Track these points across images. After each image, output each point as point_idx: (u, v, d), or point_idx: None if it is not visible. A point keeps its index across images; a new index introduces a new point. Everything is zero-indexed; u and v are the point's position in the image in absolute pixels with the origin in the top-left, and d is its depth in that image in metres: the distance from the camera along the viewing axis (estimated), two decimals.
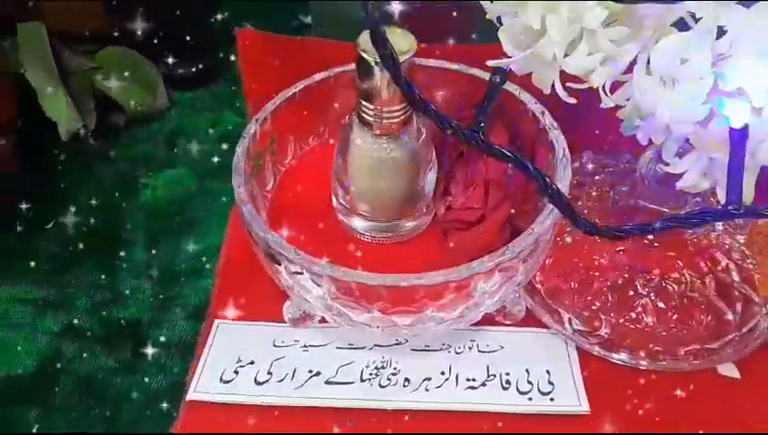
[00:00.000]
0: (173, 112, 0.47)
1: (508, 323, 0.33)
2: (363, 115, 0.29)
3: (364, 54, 0.27)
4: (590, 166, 0.36)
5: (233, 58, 0.42)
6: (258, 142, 0.32)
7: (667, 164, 0.29)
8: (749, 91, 0.24)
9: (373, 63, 0.27)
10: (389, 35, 0.22)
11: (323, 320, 0.32)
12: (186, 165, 0.43)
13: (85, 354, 0.34)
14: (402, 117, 0.29)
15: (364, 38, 0.27)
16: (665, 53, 0.24)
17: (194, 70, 0.48)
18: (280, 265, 0.27)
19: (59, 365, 0.33)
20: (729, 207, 0.26)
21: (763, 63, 0.24)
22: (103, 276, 0.37)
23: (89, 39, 0.46)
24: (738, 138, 0.25)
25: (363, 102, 0.29)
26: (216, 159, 0.43)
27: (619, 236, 0.28)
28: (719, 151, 0.27)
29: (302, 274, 0.26)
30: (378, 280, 0.25)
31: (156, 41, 0.46)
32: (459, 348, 0.33)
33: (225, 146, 0.44)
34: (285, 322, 0.33)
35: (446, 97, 0.35)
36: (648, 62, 0.25)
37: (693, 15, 0.24)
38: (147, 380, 0.32)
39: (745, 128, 0.25)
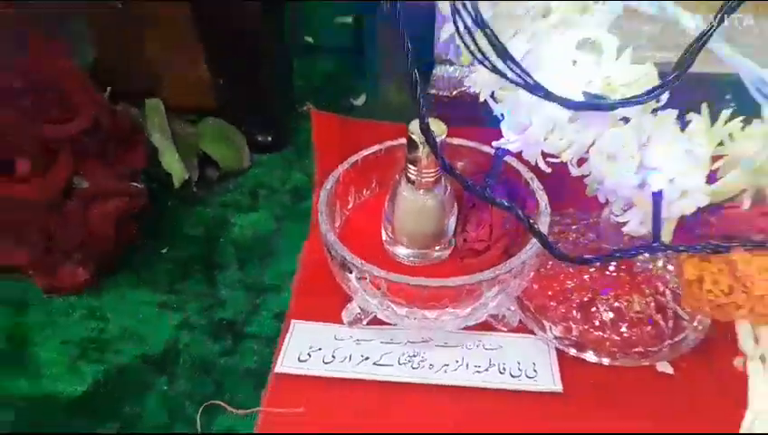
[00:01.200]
0: (254, 170, 0.61)
1: (506, 329, 0.45)
2: (408, 174, 0.43)
3: (413, 136, 0.40)
4: (568, 219, 0.49)
5: (299, 128, 0.57)
6: (333, 194, 0.45)
7: (618, 215, 0.42)
8: (663, 167, 0.37)
9: (419, 142, 0.40)
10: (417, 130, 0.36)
11: (370, 322, 0.45)
12: (265, 209, 0.57)
13: (197, 342, 0.46)
14: (435, 177, 0.42)
15: (414, 125, 0.40)
16: (610, 140, 0.37)
17: (269, 138, 0.63)
18: (351, 272, 0.40)
19: (179, 348, 0.46)
20: (653, 244, 0.39)
21: (672, 150, 0.38)
22: (206, 288, 0.50)
23: (193, 111, 0.61)
24: (657, 198, 0.38)
25: (409, 166, 0.42)
26: (288, 206, 0.57)
27: (583, 262, 0.40)
28: (649, 207, 0.40)
29: (365, 279, 0.39)
30: (415, 281, 0.38)
31: (242, 114, 0.61)
32: (469, 345, 0.45)
33: (295, 196, 0.58)
34: (343, 323, 0.46)
35: (465, 164, 0.48)
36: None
37: (626, 118, 0.38)
38: (244, 360, 0.45)
39: (660, 192, 0.38)
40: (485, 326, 0.45)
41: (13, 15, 0.47)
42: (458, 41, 0.35)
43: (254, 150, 0.62)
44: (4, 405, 0.43)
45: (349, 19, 0.72)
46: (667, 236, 0.39)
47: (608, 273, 0.45)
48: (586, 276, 0.45)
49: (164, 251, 0.53)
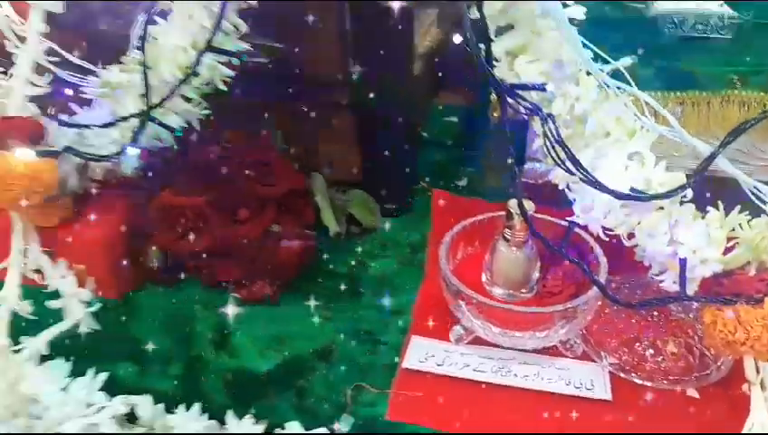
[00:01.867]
0: (384, 228, 0.81)
1: (571, 356, 0.62)
2: (505, 236, 0.61)
3: (511, 209, 0.59)
4: (621, 278, 0.65)
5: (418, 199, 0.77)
6: (449, 248, 0.64)
7: (656, 275, 0.58)
8: (688, 242, 0.54)
9: (514, 214, 0.59)
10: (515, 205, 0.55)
11: (470, 342, 0.63)
12: (392, 257, 0.76)
13: (347, 344, 0.65)
14: (525, 238, 0.61)
15: (512, 202, 0.59)
16: (650, 222, 0.54)
17: (396, 206, 0.83)
18: (463, 300, 0.58)
19: (334, 347, 0.65)
20: (681, 296, 0.55)
21: (694, 230, 0.54)
22: (351, 308, 0.69)
23: (344, 184, 0.83)
24: (683, 263, 0.54)
25: (506, 229, 0.61)
26: (408, 255, 0.76)
27: (630, 307, 0.57)
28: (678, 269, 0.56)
29: (471, 304, 0.57)
30: (510, 307, 0.56)
31: (378, 188, 0.82)
32: (544, 365, 0.61)
33: (413, 249, 0.77)
34: (450, 340, 0.63)
35: (546, 232, 0.66)
36: None
37: (661, 207, 0.55)
38: (379, 359, 0.63)
39: (685, 259, 0.54)
40: (556, 353, 0.62)
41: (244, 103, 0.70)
42: (545, 150, 0.54)
43: (385, 215, 0.82)
44: (216, 373, 0.63)
45: (455, 119, 0.93)
46: (691, 291, 0.55)
47: (650, 318, 0.60)
48: (633, 320, 0.61)
49: (320, 281, 0.73)
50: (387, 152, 0.79)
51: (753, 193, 0.52)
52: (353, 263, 0.76)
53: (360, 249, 0.77)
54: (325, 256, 0.75)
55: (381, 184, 0.82)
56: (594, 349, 0.61)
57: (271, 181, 0.70)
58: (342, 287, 0.71)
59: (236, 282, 0.70)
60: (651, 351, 0.59)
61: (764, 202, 0.52)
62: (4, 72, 0.67)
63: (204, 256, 0.69)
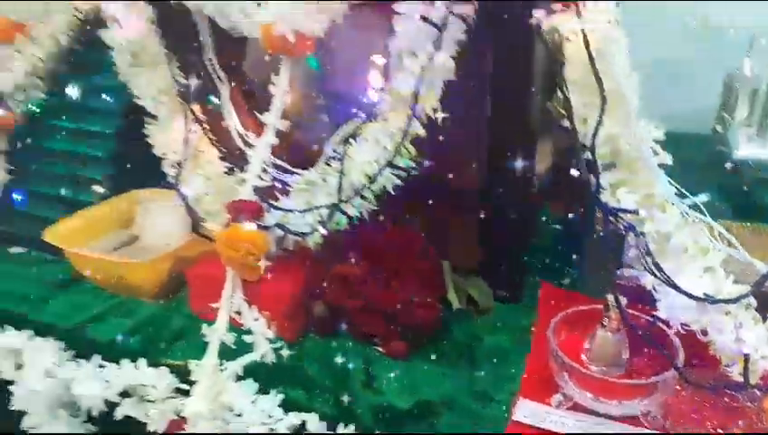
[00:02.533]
0: (496, 310, 0.99)
1: (649, 426, 0.76)
2: (603, 323, 0.78)
3: (610, 302, 0.76)
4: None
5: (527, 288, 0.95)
6: (555, 329, 0.81)
7: (725, 366, 0.72)
8: (749, 340, 0.69)
9: (612, 307, 0.76)
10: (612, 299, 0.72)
11: (568, 408, 0.78)
12: (503, 332, 0.94)
13: (468, 399, 0.82)
14: (619, 326, 0.77)
15: (610, 297, 0.76)
16: (718, 322, 0.70)
17: (508, 293, 1.01)
18: (567, 371, 0.75)
19: (458, 400, 0.82)
20: (745, 385, 0.69)
21: (754, 331, 0.69)
22: (469, 369, 0.87)
23: (466, 270, 1.02)
24: (747, 357, 0.69)
25: (605, 318, 0.77)
26: (518, 333, 0.93)
27: (701, 387, 0.71)
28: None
29: (574, 375, 0.74)
30: (606, 378, 0.72)
31: (494, 278, 1.01)
32: (626, 431, 0.75)
33: (522, 329, 0.94)
34: (551, 404, 0.79)
35: (635, 323, 0.82)
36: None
37: (728, 311, 0.70)
38: (494, 411, 0.80)
39: (748, 354, 0.68)
40: (638, 423, 0.76)
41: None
42: (637, 259, 0.71)
43: (497, 299, 1.00)
44: (364, 405, 0.82)
45: (559, 226, 1.12)
46: (753, 381, 0.69)
47: (720, 403, 0.74)
48: (705, 403, 0.74)
49: (444, 343, 0.91)
50: (503, 248, 0.99)
51: None
52: (471, 334, 0.94)
53: (476, 324, 0.96)
54: (447, 327, 0.94)
55: (497, 273, 1.01)
56: (671, 423, 0.75)
57: (414, 261, 0.91)
58: (461, 352, 0.90)
59: (380, 337, 0.89)
60: (720, 431, 0.72)
61: None
62: (240, 169, 0.94)
63: (358, 314, 0.90)
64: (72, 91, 1.19)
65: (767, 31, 0.99)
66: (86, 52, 1.16)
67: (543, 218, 1.08)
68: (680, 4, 1.16)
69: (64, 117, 1.20)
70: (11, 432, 1.00)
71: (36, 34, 1.16)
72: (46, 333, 1.00)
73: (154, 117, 1.02)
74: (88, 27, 1.14)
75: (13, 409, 0.98)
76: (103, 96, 1.18)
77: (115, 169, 1.18)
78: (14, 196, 1.24)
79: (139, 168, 1.16)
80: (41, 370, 0.96)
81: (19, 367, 0.99)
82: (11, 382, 0.99)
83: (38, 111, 1.21)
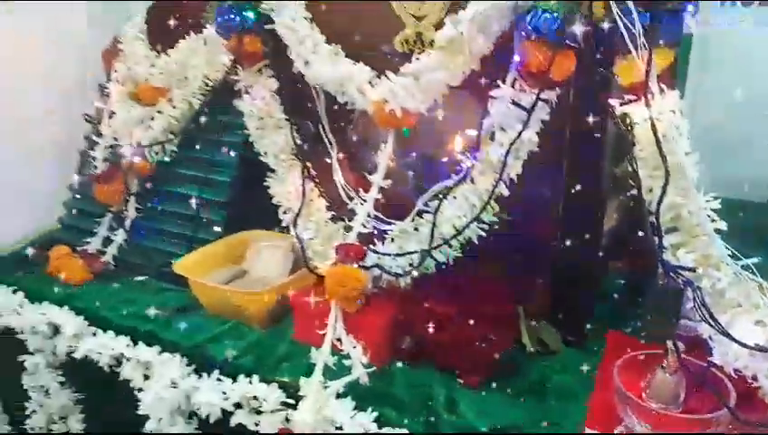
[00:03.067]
0: (564, 353, 1.10)
1: None
2: (663, 365, 0.88)
3: (670, 348, 0.87)
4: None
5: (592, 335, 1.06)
6: (620, 370, 0.93)
7: None
8: None
9: (671, 352, 0.87)
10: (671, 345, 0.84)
11: None
12: (569, 373, 1.05)
13: (536, 426, 0.94)
14: (676, 369, 0.88)
15: (670, 343, 0.87)
16: None
17: (574, 338, 1.12)
18: (628, 406, 0.86)
19: (524, 426, 0.94)
20: None
21: None
22: (541, 407, 0.98)
23: (537, 316, 1.14)
24: None
25: (664, 362, 0.88)
26: (581, 376, 1.04)
27: (749, 424, 0.81)
28: None
29: (634, 405, 0.85)
30: (664, 411, 0.82)
31: (562, 325, 1.13)
32: None
33: (584, 372, 1.05)
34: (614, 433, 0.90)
35: (692, 368, 0.92)
36: None
37: None
38: None
39: None
40: None
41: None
42: (695, 311, 0.83)
43: (565, 343, 1.12)
44: (448, 425, 0.94)
45: (624, 281, 1.23)
46: None
47: None
48: None
49: (516, 378, 1.03)
50: (572, 297, 1.11)
51: None
52: (541, 373, 1.05)
53: (545, 364, 1.07)
54: (519, 364, 1.06)
55: (566, 320, 1.12)
56: None
57: (493, 305, 1.04)
58: (532, 388, 1.01)
59: (460, 368, 1.02)
60: None
61: None
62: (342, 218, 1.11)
63: (442, 347, 1.03)
64: (198, 145, 1.41)
65: None
66: (212, 113, 1.39)
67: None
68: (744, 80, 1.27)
69: (190, 166, 1.41)
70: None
71: (174, 98, 1.39)
72: (172, 349, 1.17)
73: (274, 171, 1.21)
74: (216, 95, 1.36)
75: (139, 413, 1.15)
76: (223, 150, 1.38)
77: (230, 213, 1.37)
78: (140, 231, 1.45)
79: (250, 212, 1.36)
80: (167, 381, 1.13)
81: (146, 378, 1.17)
82: (140, 390, 1.16)
83: (168, 160, 1.43)
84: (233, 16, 1.18)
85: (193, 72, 1.38)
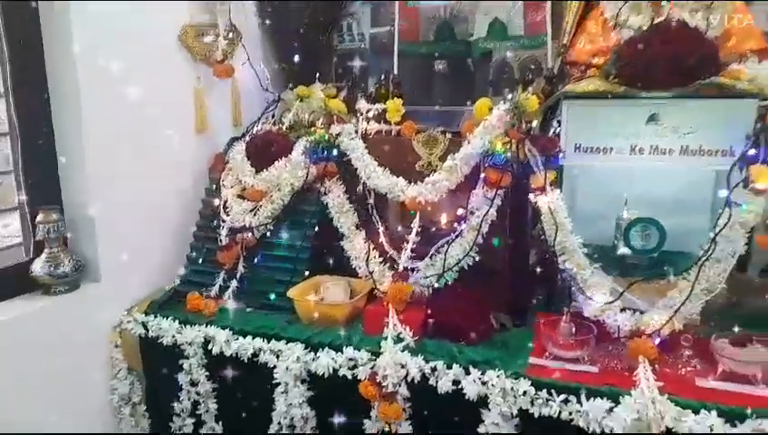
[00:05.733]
0: (514, 329, 2.02)
1: (585, 361, 1.77)
2: (564, 321, 1.82)
3: (565, 311, 1.81)
4: None
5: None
6: (544, 325, 1.85)
7: None
8: None
9: (566, 312, 1.81)
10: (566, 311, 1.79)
11: (552, 358, 1.81)
12: (518, 339, 1.96)
13: (502, 359, 1.83)
14: (570, 321, 1.81)
15: (565, 310, 1.81)
16: None
17: (518, 322, 2.04)
18: (550, 342, 1.78)
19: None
20: None
21: None
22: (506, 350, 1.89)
23: (500, 310, 2.06)
24: None
25: (564, 317, 1.82)
26: (524, 337, 1.96)
27: (604, 344, 1.75)
28: None
29: (555, 342, 1.77)
30: (569, 343, 1.75)
31: (512, 310, 2.05)
32: None
33: (527, 336, 1.97)
34: (545, 358, 1.81)
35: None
36: None
37: None
38: (519, 363, 1.81)
39: None
40: (578, 362, 1.78)
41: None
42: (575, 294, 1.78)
43: (514, 325, 2.03)
44: None
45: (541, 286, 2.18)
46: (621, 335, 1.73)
47: (616, 351, 1.77)
48: (605, 352, 1.77)
49: (492, 341, 1.94)
50: (518, 299, 2.04)
51: None
52: (503, 339, 1.95)
53: (505, 334, 1.98)
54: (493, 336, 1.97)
55: (515, 312, 2.04)
56: (596, 359, 1.78)
57: (477, 305, 1.96)
58: (500, 344, 1.91)
59: (464, 336, 1.91)
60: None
61: None
62: (386, 261, 2.03)
63: (454, 327, 1.92)
64: (287, 223, 2.29)
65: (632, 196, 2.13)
66: (297, 203, 2.29)
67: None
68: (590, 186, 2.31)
69: (283, 235, 2.29)
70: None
71: (273, 197, 2.29)
72: (291, 341, 2.00)
73: (345, 236, 2.12)
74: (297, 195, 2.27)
75: (274, 382, 1.96)
76: (305, 220, 2.27)
77: (308, 266, 2.24)
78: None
79: (321, 261, 2.24)
80: (294, 357, 1.95)
81: (278, 355, 1.99)
82: (274, 367, 1.98)
83: (268, 233, 2.30)
84: (323, 154, 2.12)
85: (284, 181, 2.29)
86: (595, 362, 1.73)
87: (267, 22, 2.79)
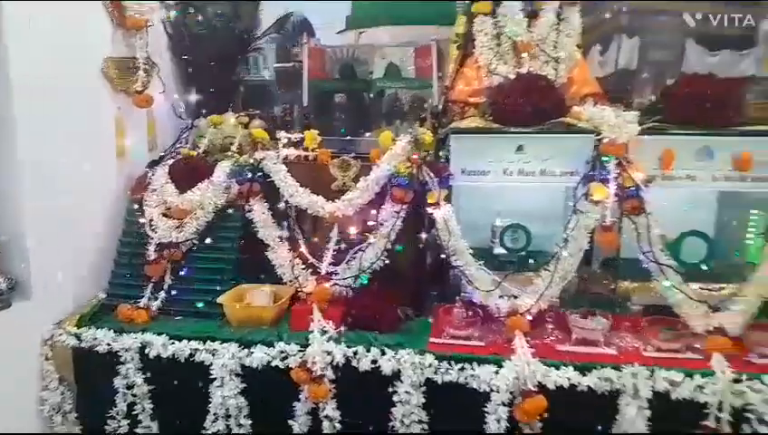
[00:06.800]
0: (416, 319, 2.43)
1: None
2: (456, 306, 2.26)
3: (458, 299, 2.26)
4: None
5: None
6: (443, 312, 2.28)
7: None
8: None
9: (459, 300, 2.25)
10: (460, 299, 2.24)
11: (450, 338, 2.24)
12: (421, 326, 2.38)
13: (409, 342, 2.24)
14: (464, 306, 2.26)
15: (458, 298, 2.26)
16: None
17: (419, 313, 2.46)
18: (448, 326, 2.21)
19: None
20: None
21: None
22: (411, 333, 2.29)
23: (405, 304, 2.47)
24: None
25: (456, 303, 2.26)
26: (424, 324, 2.38)
27: (489, 321, 2.22)
28: None
29: (450, 323, 2.21)
30: (463, 323, 2.20)
31: (415, 303, 2.47)
32: None
33: (427, 323, 2.39)
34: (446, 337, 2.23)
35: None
36: None
37: None
38: (420, 342, 2.22)
39: None
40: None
41: None
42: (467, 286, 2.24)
43: (416, 315, 2.44)
44: None
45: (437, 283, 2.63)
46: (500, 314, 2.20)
47: (489, 326, 2.24)
48: (483, 327, 2.24)
49: (401, 328, 2.34)
50: (418, 295, 2.46)
51: None
52: (409, 327, 2.35)
53: (410, 324, 2.38)
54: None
55: (416, 305, 2.45)
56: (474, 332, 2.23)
57: (388, 300, 2.35)
58: (407, 331, 2.32)
59: (379, 325, 2.29)
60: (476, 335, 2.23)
61: None
62: (309, 266, 2.37)
63: (369, 319, 2.30)
64: (211, 237, 2.55)
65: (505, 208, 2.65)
66: (222, 219, 2.55)
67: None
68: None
69: (209, 248, 2.53)
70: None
71: (197, 213, 2.54)
72: (226, 341, 2.26)
73: (270, 247, 2.43)
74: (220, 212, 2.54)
75: (211, 377, 2.21)
76: (230, 235, 2.54)
77: (236, 273, 2.51)
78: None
79: (248, 271, 2.52)
80: (229, 354, 2.21)
81: (214, 353, 2.23)
82: (210, 365, 2.22)
83: (194, 247, 2.54)
84: (248, 175, 2.42)
85: (208, 200, 2.54)
86: (482, 337, 2.19)
87: (181, 56, 3.03)
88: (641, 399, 1.94)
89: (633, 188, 2.03)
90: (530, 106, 2.16)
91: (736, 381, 1.91)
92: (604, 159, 2.07)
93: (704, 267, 2.33)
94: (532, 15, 2.58)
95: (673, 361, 2.02)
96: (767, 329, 2.09)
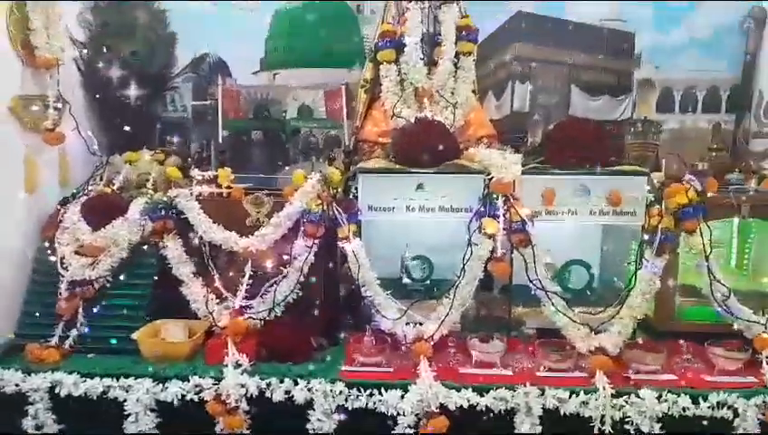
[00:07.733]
0: (330, 348, 2.55)
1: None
2: (367, 334, 2.40)
3: (368, 329, 2.40)
4: None
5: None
6: (355, 341, 2.42)
7: None
8: None
9: (369, 329, 2.40)
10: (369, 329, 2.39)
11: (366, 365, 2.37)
12: (335, 354, 2.50)
13: (322, 370, 2.35)
14: (372, 334, 2.40)
15: (368, 327, 2.40)
16: None
17: (332, 342, 2.58)
18: (359, 353, 2.35)
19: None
20: None
21: None
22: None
23: (318, 334, 2.58)
24: None
25: (367, 332, 2.40)
26: (338, 351, 2.50)
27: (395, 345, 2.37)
28: None
29: (362, 352, 2.34)
30: (370, 349, 2.34)
31: (328, 333, 2.59)
32: None
33: (340, 351, 2.52)
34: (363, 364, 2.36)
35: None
36: None
37: None
38: (333, 370, 2.34)
39: None
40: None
41: None
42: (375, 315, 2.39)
43: (330, 344, 2.56)
44: None
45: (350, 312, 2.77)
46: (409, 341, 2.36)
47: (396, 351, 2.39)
48: (389, 352, 2.40)
49: (313, 358, 2.45)
50: (330, 324, 2.59)
51: None
52: (323, 357, 2.47)
53: (324, 353, 2.49)
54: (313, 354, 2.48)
55: (328, 334, 2.57)
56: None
57: (301, 332, 2.46)
58: (320, 360, 2.43)
59: (292, 357, 2.39)
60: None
61: None
62: (223, 300, 2.45)
63: (282, 352, 2.39)
64: (125, 274, 2.57)
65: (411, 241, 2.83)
66: (136, 256, 2.59)
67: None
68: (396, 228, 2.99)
69: (123, 286, 2.56)
70: None
71: (110, 251, 2.56)
72: (140, 377, 2.29)
73: (185, 283, 2.48)
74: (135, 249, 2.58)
75: (125, 413, 2.23)
76: (144, 271, 2.58)
77: (147, 313, 2.55)
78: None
79: (162, 307, 2.56)
80: (144, 390, 2.25)
81: (128, 390, 2.26)
82: (125, 400, 2.24)
83: (107, 285, 2.55)
84: (161, 212, 2.48)
85: (122, 237, 2.57)
86: (390, 363, 2.34)
87: (94, 94, 3.05)
88: (533, 416, 2.14)
89: (519, 223, 2.26)
90: (427, 149, 2.37)
91: (616, 395, 2.14)
92: (494, 196, 2.29)
93: (588, 293, 2.60)
94: (432, 63, 2.81)
95: (562, 380, 2.24)
96: (641, 347, 2.35)
